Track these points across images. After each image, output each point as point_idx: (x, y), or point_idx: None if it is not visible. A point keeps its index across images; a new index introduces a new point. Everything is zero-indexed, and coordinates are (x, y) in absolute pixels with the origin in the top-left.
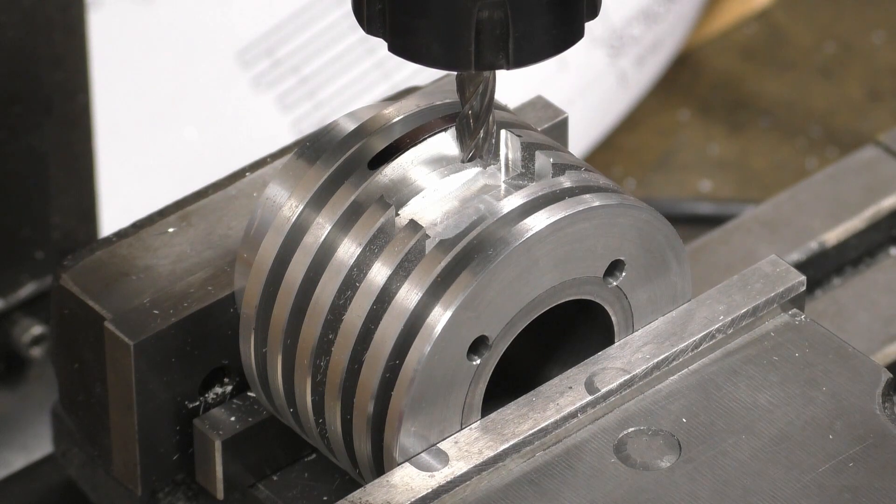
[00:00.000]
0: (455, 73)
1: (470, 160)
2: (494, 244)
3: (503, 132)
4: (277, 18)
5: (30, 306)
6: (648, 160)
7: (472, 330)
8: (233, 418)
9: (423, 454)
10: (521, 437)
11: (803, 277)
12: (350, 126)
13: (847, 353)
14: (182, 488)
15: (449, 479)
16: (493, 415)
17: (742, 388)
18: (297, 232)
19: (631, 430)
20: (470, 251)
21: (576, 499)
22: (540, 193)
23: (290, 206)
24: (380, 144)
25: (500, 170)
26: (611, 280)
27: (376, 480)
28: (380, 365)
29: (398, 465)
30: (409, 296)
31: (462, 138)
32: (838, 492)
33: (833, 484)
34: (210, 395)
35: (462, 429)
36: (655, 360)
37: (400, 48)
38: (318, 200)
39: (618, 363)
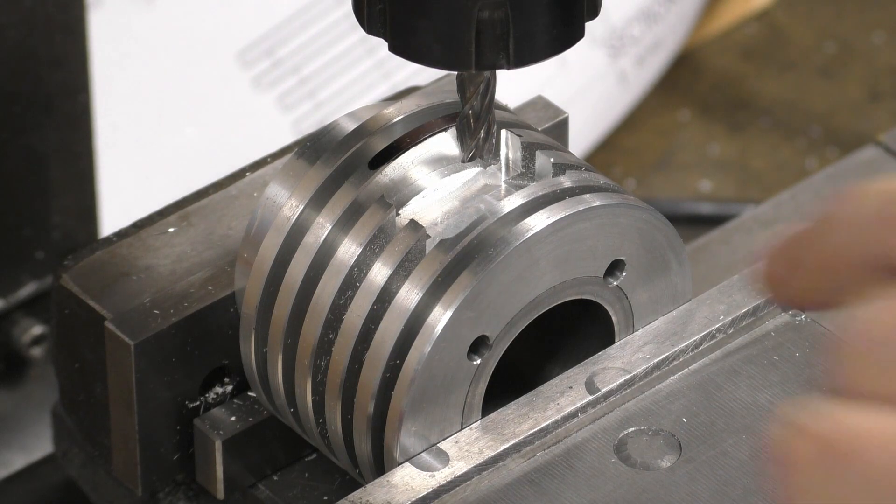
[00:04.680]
0: (455, 73)
1: (470, 160)
2: (495, 244)
3: (503, 132)
4: (277, 18)
5: (30, 306)
6: (648, 160)
7: (472, 330)
8: (233, 418)
9: (423, 454)
10: (522, 436)
11: None
12: (350, 126)
13: None
14: (182, 488)
15: (449, 479)
16: (493, 415)
17: (742, 388)
18: (297, 232)
19: (631, 429)
20: (470, 251)
21: (576, 499)
22: (540, 193)
23: (290, 206)
24: (380, 144)
25: (500, 170)
26: (611, 280)
27: (377, 480)
28: (380, 365)
29: (398, 464)
30: (409, 296)
31: (462, 138)
32: None
33: None
34: (210, 395)
35: (462, 429)
36: (656, 360)
37: (400, 48)
38: (319, 200)
39: (618, 363)
